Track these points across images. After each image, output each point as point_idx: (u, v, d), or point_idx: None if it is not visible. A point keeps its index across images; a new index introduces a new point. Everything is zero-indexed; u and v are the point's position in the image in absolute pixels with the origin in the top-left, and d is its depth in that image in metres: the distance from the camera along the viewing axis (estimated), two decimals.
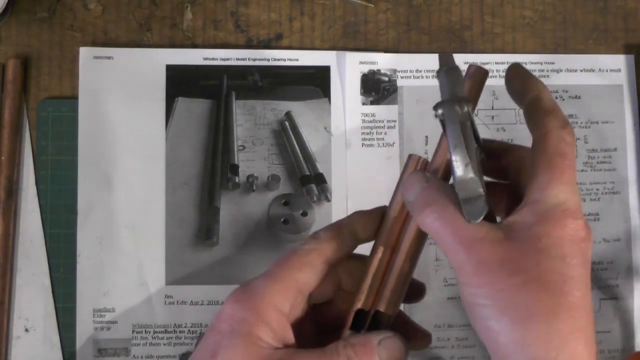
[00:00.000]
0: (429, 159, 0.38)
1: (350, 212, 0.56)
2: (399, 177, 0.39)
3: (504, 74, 0.58)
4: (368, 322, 0.38)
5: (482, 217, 0.34)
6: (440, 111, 0.35)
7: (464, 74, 0.36)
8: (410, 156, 0.40)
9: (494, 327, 0.33)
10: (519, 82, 0.38)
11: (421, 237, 0.38)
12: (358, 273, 0.39)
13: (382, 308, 0.38)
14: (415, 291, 0.42)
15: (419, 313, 0.56)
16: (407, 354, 0.38)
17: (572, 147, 0.35)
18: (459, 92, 0.35)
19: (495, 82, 0.58)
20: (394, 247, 0.38)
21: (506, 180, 0.40)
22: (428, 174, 0.37)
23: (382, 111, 0.58)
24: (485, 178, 0.37)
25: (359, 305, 0.38)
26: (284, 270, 0.37)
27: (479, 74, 0.37)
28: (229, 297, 0.37)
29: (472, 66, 0.37)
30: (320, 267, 0.38)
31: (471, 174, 0.34)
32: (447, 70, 0.36)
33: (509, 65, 0.39)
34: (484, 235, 0.34)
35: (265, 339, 0.36)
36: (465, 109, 0.35)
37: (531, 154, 0.36)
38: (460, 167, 0.34)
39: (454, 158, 0.34)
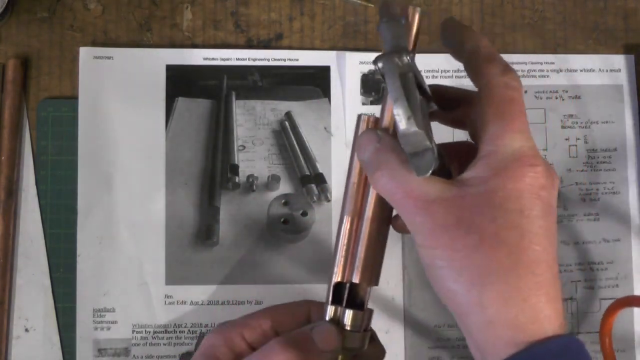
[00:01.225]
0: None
1: None
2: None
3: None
4: (345, 295, 0.37)
5: (430, 171, 0.32)
6: (380, 65, 0.33)
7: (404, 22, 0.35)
8: (359, 116, 0.37)
9: (452, 288, 0.32)
10: (455, 34, 0.36)
11: (383, 199, 0.35)
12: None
13: (356, 279, 0.36)
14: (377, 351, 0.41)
15: (419, 313, 0.56)
16: (341, 340, 0.37)
17: (518, 92, 0.34)
18: (401, 43, 0.33)
19: None
20: (360, 214, 0.36)
21: (466, 129, 0.38)
22: (380, 132, 0.35)
23: None
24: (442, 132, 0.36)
25: (336, 279, 0.37)
26: (260, 312, 0.40)
27: (414, 15, 0.35)
28: (213, 329, 0.41)
29: (405, 9, 0.35)
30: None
31: (414, 128, 0.32)
32: (387, 21, 0.34)
33: (443, 20, 0.37)
34: (438, 194, 0.32)
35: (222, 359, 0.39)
36: (406, 59, 0.33)
37: (479, 105, 0.34)
38: (403, 121, 0.32)
39: (395, 112, 0.32)
